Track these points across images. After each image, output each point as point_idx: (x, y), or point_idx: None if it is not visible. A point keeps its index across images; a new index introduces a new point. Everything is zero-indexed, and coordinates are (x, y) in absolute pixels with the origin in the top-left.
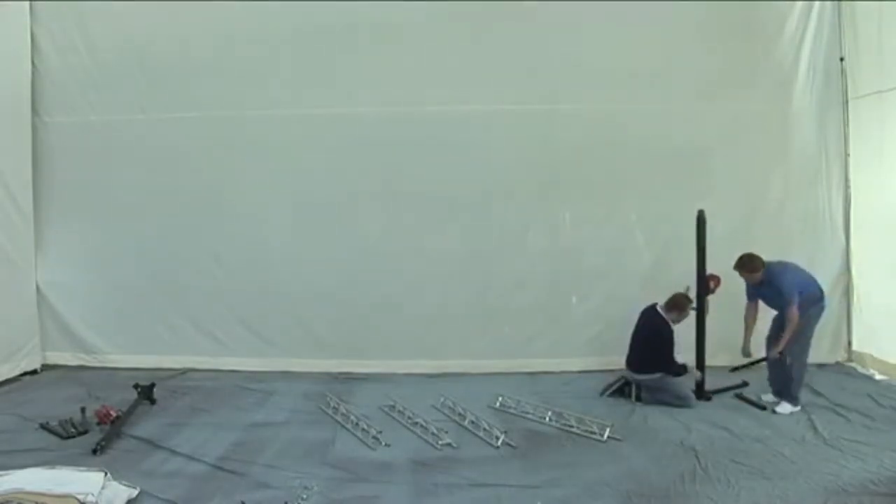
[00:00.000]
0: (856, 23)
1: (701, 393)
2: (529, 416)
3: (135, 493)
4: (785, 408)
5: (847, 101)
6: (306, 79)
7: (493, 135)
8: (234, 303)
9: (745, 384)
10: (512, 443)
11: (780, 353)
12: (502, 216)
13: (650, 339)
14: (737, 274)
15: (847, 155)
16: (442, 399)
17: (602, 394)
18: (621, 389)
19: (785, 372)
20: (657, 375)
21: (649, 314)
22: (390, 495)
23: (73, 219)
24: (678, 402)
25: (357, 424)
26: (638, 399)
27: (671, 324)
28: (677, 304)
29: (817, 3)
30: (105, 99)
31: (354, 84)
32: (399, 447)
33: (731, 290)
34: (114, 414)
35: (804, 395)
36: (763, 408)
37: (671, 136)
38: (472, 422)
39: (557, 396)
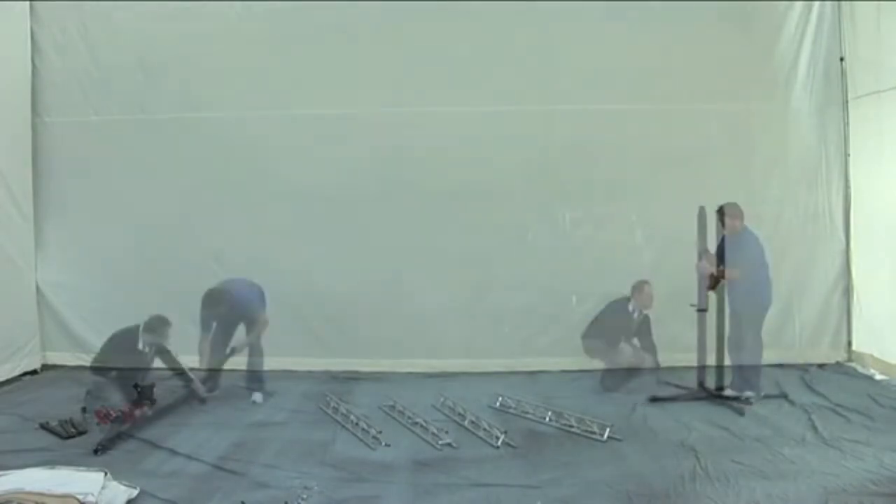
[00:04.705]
0: (855, 23)
1: (703, 388)
2: (529, 415)
3: (135, 493)
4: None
5: (847, 101)
6: (306, 79)
7: (493, 135)
8: None
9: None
10: (512, 443)
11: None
12: (502, 216)
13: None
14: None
15: (847, 155)
16: (442, 399)
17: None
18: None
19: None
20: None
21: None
22: (390, 495)
23: (73, 219)
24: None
25: (357, 424)
26: None
27: (635, 311)
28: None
29: (817, 3)
30: (105, 99)
31: (355, 84)
32: (399, 447)
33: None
34: (114, 414)
35: (804, 395)
36: (742, 401)
37: (671, 136)
38: (472, 422)
39: (557, 396)
